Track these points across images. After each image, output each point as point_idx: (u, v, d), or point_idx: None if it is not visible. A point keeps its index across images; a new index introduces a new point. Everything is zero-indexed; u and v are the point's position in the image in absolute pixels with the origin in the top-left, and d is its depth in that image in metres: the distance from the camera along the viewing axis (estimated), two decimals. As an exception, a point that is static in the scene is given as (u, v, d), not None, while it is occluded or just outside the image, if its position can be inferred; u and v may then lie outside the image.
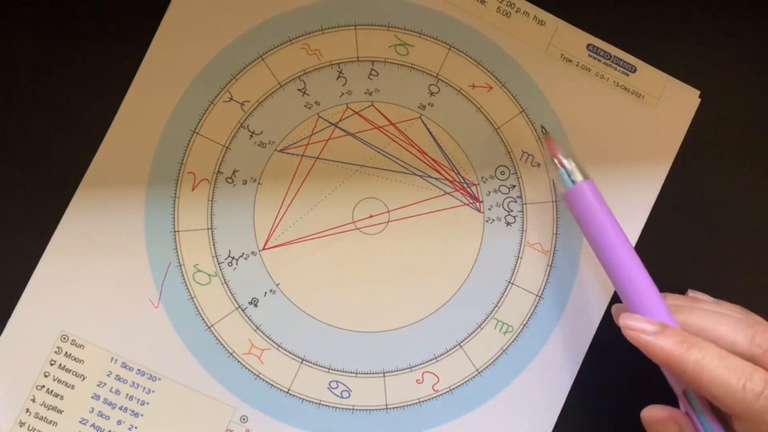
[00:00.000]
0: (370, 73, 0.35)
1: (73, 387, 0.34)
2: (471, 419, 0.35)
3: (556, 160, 0.33)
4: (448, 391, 0.35)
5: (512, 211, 0.35)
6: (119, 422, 0.34)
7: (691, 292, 0.34)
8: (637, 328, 0.30)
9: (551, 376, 0.35)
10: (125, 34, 0.34)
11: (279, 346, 0.34)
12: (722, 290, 0.36)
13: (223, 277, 0.34)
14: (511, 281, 0.35)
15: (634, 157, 0.35)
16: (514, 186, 0.35)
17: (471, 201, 0.35)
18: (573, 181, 0.32)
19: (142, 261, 0.34)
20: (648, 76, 0.36)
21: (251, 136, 0.35)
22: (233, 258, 0.34)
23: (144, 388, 0.34)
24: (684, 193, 0.36)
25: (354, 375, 0.34)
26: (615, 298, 0.35)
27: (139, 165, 0.34)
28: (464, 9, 0.35)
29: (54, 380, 0.34)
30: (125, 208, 0.34)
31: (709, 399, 0.29)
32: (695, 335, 0.30)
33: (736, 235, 0.36)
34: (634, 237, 0.35)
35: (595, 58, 0.36)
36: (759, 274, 0.36)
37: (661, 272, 0.36)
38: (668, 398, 0.33)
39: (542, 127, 0.35)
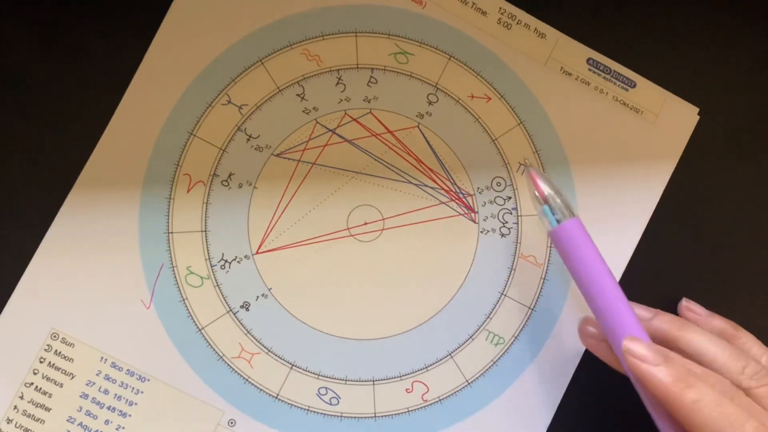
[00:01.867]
0: (369, 81, 0.35)
1: (61, 385, 0.34)
2: (460, 430, 0.35)
3: (539, 196, 0.31)
4: (437, 401, 0.35)
5: (507, 222, 0.35)
6: (107, 422, 0.34)
7: (684, 302, 0.35)
8: (639, 354, 0.29)
9: (541, 390, 0.35)
10: (125, 34, 0.34)
11: (269, 350, 0.34)
12: (715, 307, 0.36)
13: (216, 279, 0.34)
14: (504, 293, 0.35)
15: (631, 173, 0.35)
16: (510, 198, 0.35)
17: (466, 211, 0.35)
18: (558, 220, 0.31)
19: (135, 261, 0.34)
20: (647, 91, 0.36)
21: (248, 139, 0.35)
22: (226, 261, 0.34)
23: (133, 388, 0.34)
24: (680, 210, 0.36)
25: (343, 382, 0.34)
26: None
27: (135, 165, 0.34)
28: (465, 19, 0.35)
29: (43, 378, 0.34)
30: (120, 208, 0.34)
31: None
32: (690, 360, 0.30)
33: (732, 251, 0.36)
34: (629, 251, 0.35)
35: (594, 72, 0.36)
36: (754, 291, 0.36)
37: (658, 284, 0.36)
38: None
39: (524, 159, 0.34)
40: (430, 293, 0.35)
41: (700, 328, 0.32)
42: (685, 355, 0.31)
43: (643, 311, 0.33)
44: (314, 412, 0.34)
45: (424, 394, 0.35)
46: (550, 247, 0.35)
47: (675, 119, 0.36)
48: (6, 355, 0.34)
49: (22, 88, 0.34)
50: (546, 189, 0.31)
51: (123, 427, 0.34)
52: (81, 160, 0.34)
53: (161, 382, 0.34)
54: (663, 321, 0.32)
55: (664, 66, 0.36)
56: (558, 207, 0.31)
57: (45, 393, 0.34)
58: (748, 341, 0.33)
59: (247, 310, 0.34)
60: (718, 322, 0.34)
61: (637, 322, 0.30)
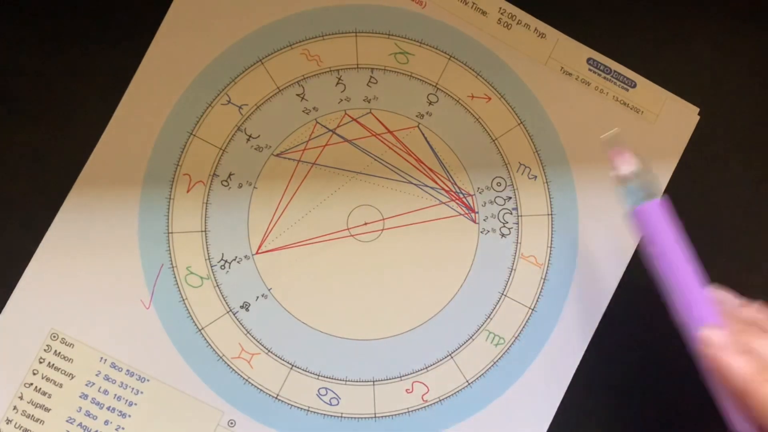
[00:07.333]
0: (369, 81, 0.35)
1: (61, 386, 0.34)
2: (460, 430, 0.35)
3: (619, 171, 0.30)
4: (437, 402, 0.35)
5: (507, 222, 0.35)
6: (106, 422, 0.34)
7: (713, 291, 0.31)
8: (719, 344, 0.28)
9: (542, 390, 0.35)
10: (125, 34, 0.34)
11: (269, 351, 0.34)
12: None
13: (216, 280, 0.34)
14: (504, 293, 0.35)
15: (631, 173, 0.35)
16: (510, 198, 0.35)
17: (466, 211, 0.35)
18: (636, 201, 0.29)
19: (135, 261, 0.34)
20: (648, 91, 0.36)
21: (248, 139, 0.35)
22: (226, 261, 0.34)
23: (132, 388, 0.34)
24: (681, 209, 0.36)
25: (343, 382, 0.34)
26: (608, 313, 0.35)
27: (135, 165, 0.34)
28: (465, 19, 0.35)
29: (42, 378, 0.34)
30: (120, 208, 0.34)
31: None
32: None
33: (732, 251, 0.36)
34: (629, 251, 0.35)
35: (595, 72, 0.36)
36: (754, 292, 0.36)
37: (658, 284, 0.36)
38: (659, 413, 0.33)
39: (607, 135, 0.31)
40: (430, 293, 0.35)
41: None
42: None
43: (732, 299, 0.31)
44: (314, 412, 0.34)
45: (424, 395, 0.35)
46: (551, 247, 0.35)
47: (675, 119, 0.36)
48: (6, 355, 0.33)
49: (22, 88, 0.34)
50: (629, 167, 0.30)
51: (122, 428, 0.34)
52: (81, 160, 0.34)
53: (161, 382, 0.34)
54: (753, 311, 0.30)
55: (664, 66, 0.36)
56: (640, 187, 0.30)
57: (44, 393, 0.34)
58: None
59: (247, 310, 0.34)
60: (750, 312, 0.31)
61: (717, 313, 0.29)
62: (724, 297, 0.32)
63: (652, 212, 0.29)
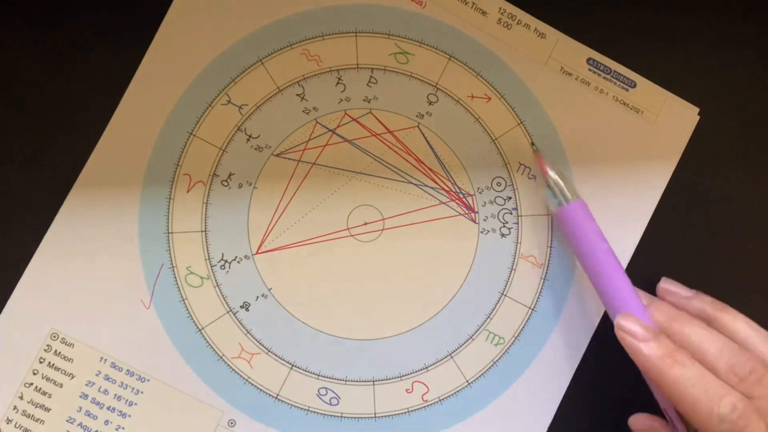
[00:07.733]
0: (369, 81, 0.35)
1: (61, 385, 0.34)
2: (460, 430, 0.35)
3: (545, 179, 0.33)
4: (437, 402, 0.35)
5: (507, 222, 0.35)
6: (106, 422, 0.34)
7: (663, 283, 0.34)
8: (629, 330, 0.30)
9: (542, 390, 0.35)
10: (125, 35, 0.34)
11: (269, 351, 0.34)
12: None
13: (216, 280, 0.34)
14: (504, 293, 0.35)
15: (631, 173, 0.35)
16: (510, 198, 0.35)
17: (466, 211, 0.35)
18: (562, 201, 0.33)
19: (135, 261, 0.34)
20: (647, 91, 0.36)
21: (248, 139, 0.35)
22: (226, 261, 0.34)
23: (132, 388, 0.34)
24: (680, 210, 0.36)
25: (343, 382, 0.34)
26: (608, 314, 0.35)
27: (135, 165, 0.34)
28: (465, 19, 0.35)
29: (43, 378, 0.34)
30: (120, 208, 0.34)
31: (683, 415, 0.30)
32: (683, 347, 0.30)
33: (732, 251, 0.36)
34: (628, 252, 0.35)
35: (594, 72, 0.36)
36: (754, 291, 0.36)
37: (654, 285, 0.36)
38: (660, 413, 0.33)
39: (532, 143, 0.35)
40: (430, 293, 0.35)
41: (739, 312, 0.32)
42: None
43: (682, 290, 0.34)
44: (314, 412, 0.34)
45: (424, 395, 0.35)
46: (551, 247, 0.35)
47: (675, 119, 0.36)
48: (6, 355, 0.34)
49: (22, 88, 0.34)
50: (551, 173, 0.33)
51: (123, 428, 0.34)
52: (81, 160, 0.34)
53: (161, 382, 0.34)
54: (702, 301, 0.33)
55: (664, 66, 0.36)
56: (561, 190, 0.33)
57: (45, 393, 0.34)
58: (735, 321, 0.32)
59: (247, 310, 0.34)
60: (699, 303, 0.33)
61: (637, 300, 0.31)
62: (673, 288, 0.34)
63: (576, 211, 0.32)
